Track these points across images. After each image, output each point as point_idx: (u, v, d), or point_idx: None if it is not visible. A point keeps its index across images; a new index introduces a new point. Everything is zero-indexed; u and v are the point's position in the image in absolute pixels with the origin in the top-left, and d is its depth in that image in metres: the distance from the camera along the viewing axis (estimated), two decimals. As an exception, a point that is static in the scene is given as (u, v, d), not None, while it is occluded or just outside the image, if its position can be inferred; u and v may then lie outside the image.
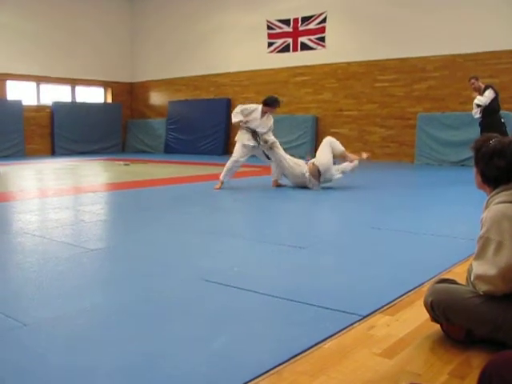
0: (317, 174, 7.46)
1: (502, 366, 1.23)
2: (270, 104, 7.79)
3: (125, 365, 2.06)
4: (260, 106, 7.80)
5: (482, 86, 8.55)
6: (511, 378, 1.18)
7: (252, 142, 7.75)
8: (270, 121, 7.88)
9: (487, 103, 8.38)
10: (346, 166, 7.67)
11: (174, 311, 2.69)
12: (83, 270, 3.50)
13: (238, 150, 7.83)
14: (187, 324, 2.50)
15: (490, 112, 8.42)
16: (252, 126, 7.71)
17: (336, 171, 7.56)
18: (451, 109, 12.21)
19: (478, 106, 8.46)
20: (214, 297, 2.90)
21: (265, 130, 7.76)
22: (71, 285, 3.14)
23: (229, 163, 7.80)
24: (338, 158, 7.73)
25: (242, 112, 7.73)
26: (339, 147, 7.64)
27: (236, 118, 7.74)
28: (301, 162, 7.84)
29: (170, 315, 2.63)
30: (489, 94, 8.37)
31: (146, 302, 2.82)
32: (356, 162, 7.65)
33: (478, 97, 8.46)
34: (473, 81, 8.62)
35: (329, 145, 7.60)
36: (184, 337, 2.34)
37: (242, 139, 7.81)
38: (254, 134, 7.73)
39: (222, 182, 7.70)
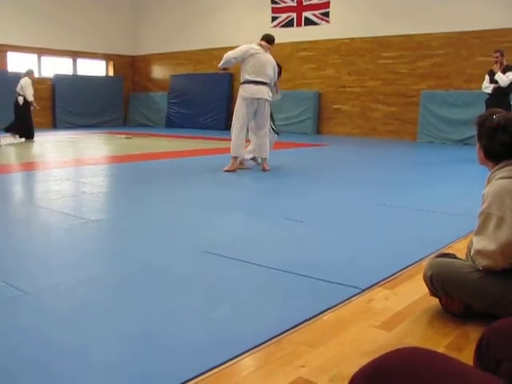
0: None
1: (500, 331, 1.24)
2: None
3: (124, 334, 2.08)
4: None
5: (505, 64, 8.31)
6: (508, 344, 1.19)
7: None
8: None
9: (506, 85, 8.22)
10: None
11: (174, 282, 2.70)
12: (84, 241, 3.51)
13: None
14: (187, 295, 2.52)
15: (502, 93, 8.24)
16: None
17: None
18: (455, 87, 12.12)
19: (496, 82, 8.28)
20: (214, 268, 2.91)
21: None
22: (72, 255, 3.16)
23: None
24: None
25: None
26: None
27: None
28: None
29: (170, 286, 2.64)
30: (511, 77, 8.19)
31: (146, 272, 2.83)
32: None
33: (500, 74, 8.23)
34: (497, 54, 8.32)
35: None
36: (183, 307, 2.35)
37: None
38: None
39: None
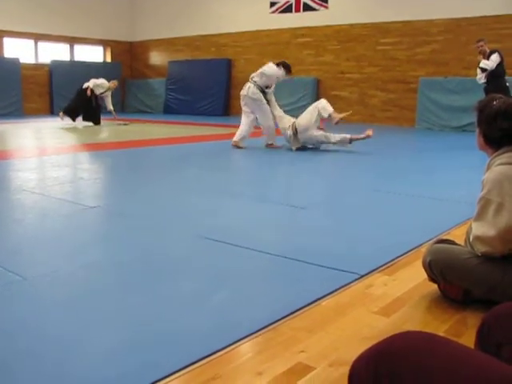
0: (295, 132, 7.55)
1: (501, 316, 1.25)
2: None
3: (122, 320, 2.08)
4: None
5: (488, 51, 8.39)
6: (508, 328, 1.19)
7: None
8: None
9: (493, 68, 8.23)
10: (344, 136, 7.55)
11: (173, 268, 2.70)
12: (82, 227, 3.51)
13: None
14: (186, 281, 2.52)
15: (496, 77, 8.27)
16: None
17: (321, 136, 7.49)
18: (454, 73, 12.07)
19: (484, 70, 8.31)
20: (213, 254, 2.91)
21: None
22: (70, 241, 3.15)
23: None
24: (327, 121, 7.68)
25: None
26: (327, 110, 7.50)
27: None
28: (287, 117, 7.95)
29: (169, 272, 2.64)
30: (495, 59, 8.22)
31: (145, 258, 2.83)
32: (361, 136, 7.51)
33: (484, 61, 8.28)
34: (480, 43, 8.44)
35: (316, 109, 7.50)
36: (183, 293, 2.35)
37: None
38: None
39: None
